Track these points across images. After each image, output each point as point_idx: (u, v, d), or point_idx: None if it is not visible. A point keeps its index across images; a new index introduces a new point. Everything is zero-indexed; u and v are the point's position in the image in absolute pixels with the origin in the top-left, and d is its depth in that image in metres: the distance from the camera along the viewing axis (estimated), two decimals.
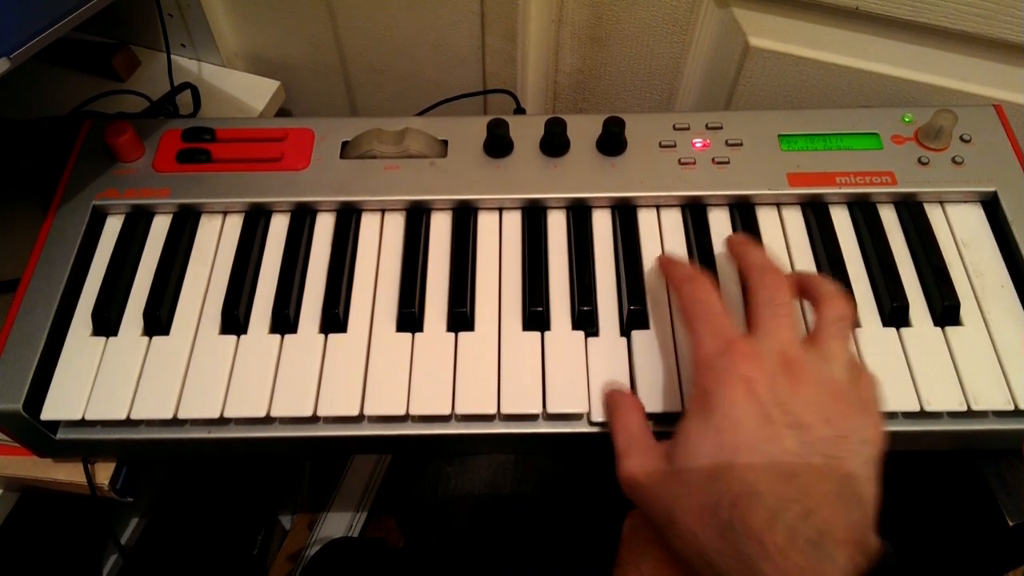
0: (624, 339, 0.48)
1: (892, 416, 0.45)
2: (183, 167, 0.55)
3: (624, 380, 0.46)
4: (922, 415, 0.45)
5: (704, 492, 0.34)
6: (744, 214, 0.53)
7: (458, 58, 0.74)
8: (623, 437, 0.41)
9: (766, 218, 0.53)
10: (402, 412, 0.46)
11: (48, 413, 0.46)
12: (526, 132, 0.56)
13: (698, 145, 0.55)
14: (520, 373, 0.47)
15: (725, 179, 0.54)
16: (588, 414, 0.46)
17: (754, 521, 0.32)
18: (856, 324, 0.48)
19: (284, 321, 0.49)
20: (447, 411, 0.46)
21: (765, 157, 0.55)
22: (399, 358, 0.48)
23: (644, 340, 0.48)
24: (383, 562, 0.69)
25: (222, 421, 0.46)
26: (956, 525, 0.53)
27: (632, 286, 0.50)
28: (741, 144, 0.55)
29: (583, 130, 0.56)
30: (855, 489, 0.34)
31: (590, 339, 0.48)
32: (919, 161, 0.54)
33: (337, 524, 1.05)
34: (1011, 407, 0.45)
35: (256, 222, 0.54)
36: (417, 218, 0.54)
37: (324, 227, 0.54)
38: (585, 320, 0.49)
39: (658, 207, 0.54)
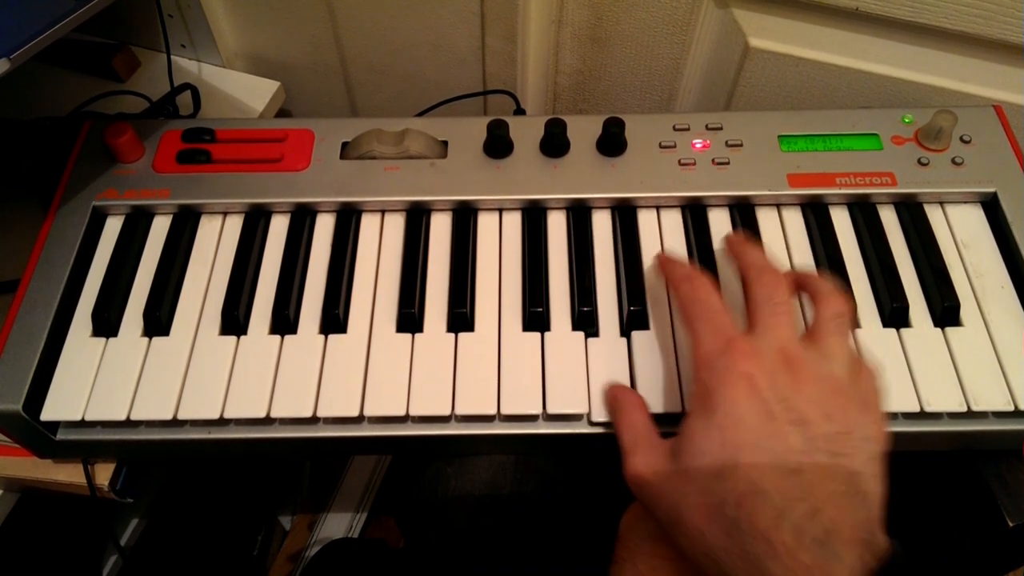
0: (624, 339, 0.48)
1: (892, 417, 0.45)
2: (183, 168, 0.55)
3: (624, 381, 0.46)
4: (922, 416, 0.45)
5: (710, 491, 0.34)
6: (744, 215, 0.53)
7: (458, 58, 0.74)
8: (629, 435, 0.41)
9: (766, 219, 0.53)
10: (402, 413, 0.46)
11: (48, 414, 0.46)
12: (526, 133, 0.56)
13: (698, 146, 0.55)
14: (520, 374, 0.47)
15: (725, 180, 0.54)
16: (588, 414, 0.46)
17: (761, 520, 0.32)
18: (855, 321, 0.48)
19: (284, 322, 0.49)
20: (447, 412, 0.46)
21: (765, 158, 0.55)
22: (399, 359, 0.48)
23: (644, 340, 0.48)
24: (383, 562, 0.69)
25: (222, 422, 0.46)
26: (956, 525, 0.53)
27: (632, 287, 0.50)
28: (741, 145, 0.55)
29: (583, 131, 0.56)
30: (860, 487, 0.34)
31: (590, 339, 0.48)
32: (919, 162, 0.54)
33: (337, 524, 1.05)
34: (1011, 407, 0.45)
35: (256, 223, 0.54)
36: (417, 219, 0.54)
37: (324, 228, 0.54)
38: (585, 321, 0.49)
39: (658, 208, 0.54)
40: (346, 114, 0.85)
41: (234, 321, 0.49)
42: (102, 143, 0.55)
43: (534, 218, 0.54)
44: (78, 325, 0.50)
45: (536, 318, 0.49)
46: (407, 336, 0.49)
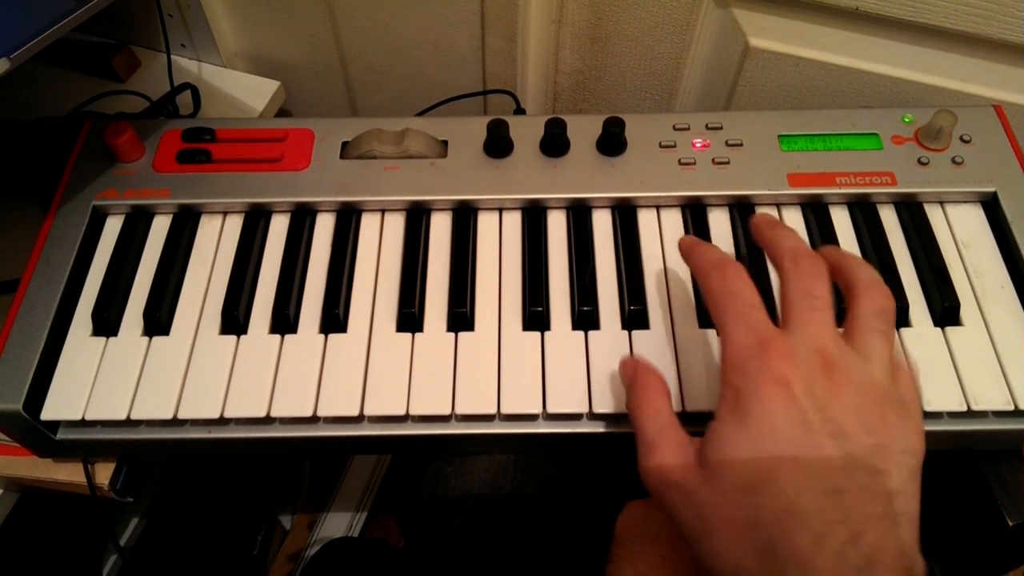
0: (624, 340, 0.48)
1: (923, 416, 0.45)
2: (183, 167, 0.55)
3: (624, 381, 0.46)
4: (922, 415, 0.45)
5: (743, 505, 0.32)
6: (744, 214, 0.53)
7: (458, 58, 0.74)
8: (653, 423, 0.37)
9: None
10: (402, 412, 0.46)
11: (48, 413, 0.46)
12: (526, 132, 0.56)
13: (698, 145, 0.55)
14: (520, 373, 0.47)
15: (725, 179, 0.54)
16: (589, 408, 0.46)
17: (799, 543, 0.30)
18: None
19: (284, 321, 0.49)
20: (447, 411, 0.46)
21: (765, 157, 0.55)
22: (399, 358, 0.48)
23: (644, 340, 0.48)
24: (383, 562, 0.69)
25: (222, 421, 0.46)
26: (956, 525, 0.53)
27: (632, 286, 0.50)
28: (741, 144, 0.55)
29: (583, 130, 0.56)
30: (901, 508, 0.31)
31: (591, 332, 0.48)
32: (919, 161, 0.54)
33: (337, 524, 1.05)
34: (1011, 407, 0.45)
35: (256, 222, 0.54)
36: (417, 218, 0.54)
37: (324, 227, 0.54)
38: (585, 320, 0.49)
39: (658, 207, 0.54)
40: (346, 114, 0.85)
41: (234, 321, 0.49)
42: (102, 143, 0.55)
43: (534, 218, 0.54)
44: (78, 325, 0.50)
45: (536, 317, 0.49)
46: (407, 336, 0.49)
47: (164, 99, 0.70)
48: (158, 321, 0.49)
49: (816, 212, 0.53)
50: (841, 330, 0.36)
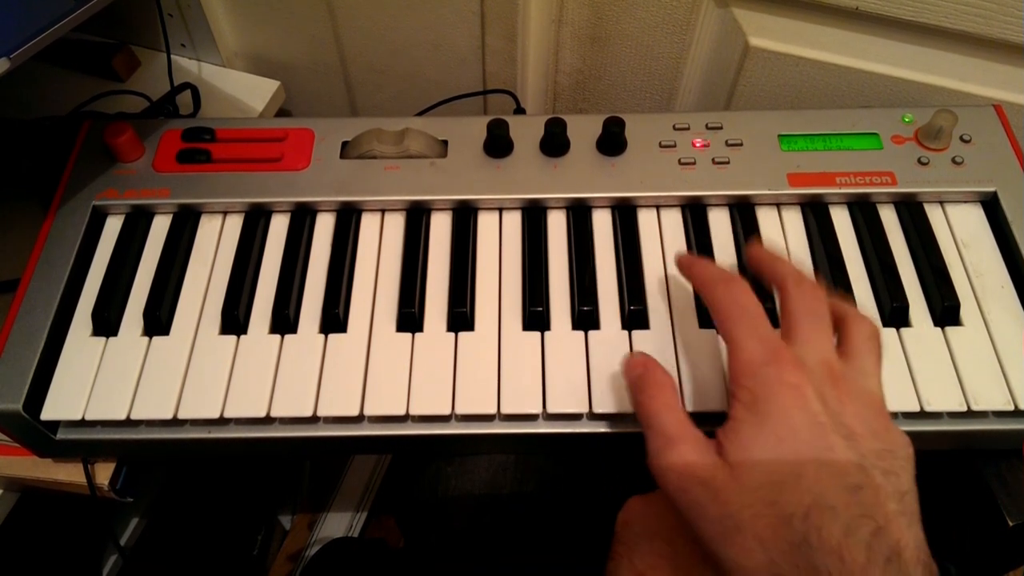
0: (624, 340, 0.48)
1: (892, 416, 0.45)
2: (183, 167, 0.55)
3: (624, 381, 0.46)
4: (922, 415, 0.45)
5: (771, 502, 0.32)
6: (744, 214, 0.53)
7: (458, 58, 0.74)
8: (671, 418, 0.37)
9: (766, 218, 0.53)
10: (402, 412, 0.46)
11: (48, 413, 0.46)
12: (526, 132, 0.56)
13: (698, 145, 0.55)
14: (520, 373, 0.47)
15: (725, 179, 0.54)
16: (589, 408, 0.46)
17: (831, 536, 0.31)
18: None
19: (284, 321, 0.49)
20: (447, 411, 0.46)
21: (765, 157, 0.55)
22: (399, 358, 0.48)
23: (644, 340, 0.48)
24: (383, 562, 0.69)
25: (222, 421, 0.46)
26: (956, 525, 0.53)
27: (632, 286, 0.50)
28: (741, 144, 0.55)
29: (583, 130, 0.56)
30: (912, 507, 0.33)
31: (591, 332, 0.48)
32: (919, 161, 0.54)
33: (337, 524, 1.05)
34: (1011, 407, 0.45)
35: (256, 222, 0.54)
36: (417, 218, 0.54)
37: (324, 227, 0.54)
38: (585, 320, 0.49)
39: (658, 207, 0.54)
40: (346, 114, 0.85)
41: (234, 320, 0.49)
42: (102, 143, 0.55)
43: (534, 217, 0.54)
44: (78, 325, 0.50)
45: (536, 317, 0.49)
46: (407, 335, 0.49)
47: (164, 99, 0.70)
48: (158, 321, 0.49)
49: (816, 212, 0.53)
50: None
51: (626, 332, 0.48)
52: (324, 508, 1.06)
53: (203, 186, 0.54)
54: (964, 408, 0.45)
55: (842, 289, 0.49)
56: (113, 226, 0.54)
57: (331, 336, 0.49)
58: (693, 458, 0.35)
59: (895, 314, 0.48)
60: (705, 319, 0.48)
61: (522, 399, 0.46)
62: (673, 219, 0.54)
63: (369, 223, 0.54)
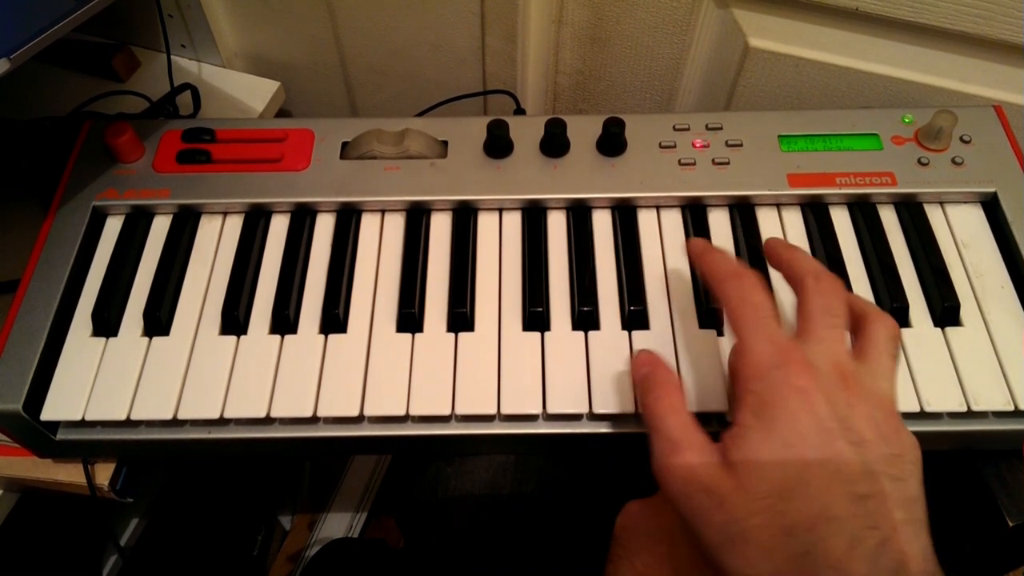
0: (624, 340, 0.48)
1: None
2: (183, 168, 0.55)
3: (624, 381, 0.46)
4: (922, 415, 0.45)
5: (776, 511, 0.32)
6: (744, 215, 0.53)
7: (458, 58, 0.74)
8: (677, 421, 0.36)
9: (766, 219, 0.53)
10: (402, 412, 0.46)
11: (48, 413, 0.46)
12: (526, 133, 0.56)
13: (698, 145, 0.55)
14: (520, 373, 0.47)
15: (725, 180, 0.54)
16: (589, 409, 0.46)
17: (834, 549, 0.30)
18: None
19: (284, 321, 0.49)
20: (447, 411, 0.46)
21: (765, 158, 0.55)
22: (399, 358, 0.48)
23: (644, 340, 0.48)
24: (383, 562, 0.69)
25: (222, 421, 0.46)
26: (956, 525, 0.53)
27: (632, 286, 0.50)
28: (741, 145, 0.55)
29: (583, 131, 0.56)
30: (919, 515, 0.33)
31: (591, 333, 0.48)
32: (919, 162, 0.54)
33: (337, 524, 1.05)
34: (1011, 407, 0.45)
35: (256, 222, 0.54)
36: (417, 218, 0.54)
37: (324, 227, 0.54)
38: (585, 320, 0.49)
39: (658, 208, 0.54)
40: (346, 114, 0.85)
41: (234, 321, 0.49)
42: (102, 143, 0.55)
43: (534, 218, 0.54)
44: (78, 325, 0.50)
45: (536, 318, 0.49)
46: (407, 336, 0.49)
47: (164, 99, 0.70)
48: (158, 321, 0.49)
49: (816, 212, 0.53)
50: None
51: (626, 332, 0.48)
52: (324, 508, 1.06)
53: (203, 186, 0.54)
54: (964, 408, 0.45)
55: None
56: (113, 226, 0.54)
57: (331, 336, 0.49)
58: (698, 464, 0.35)
59: (895, 314, 0.47)
60: (705, 319, 0.48)
61: (522, 399, 0.46)
62: (673, 220, 0.54)
63: (369, 223, 0.54)
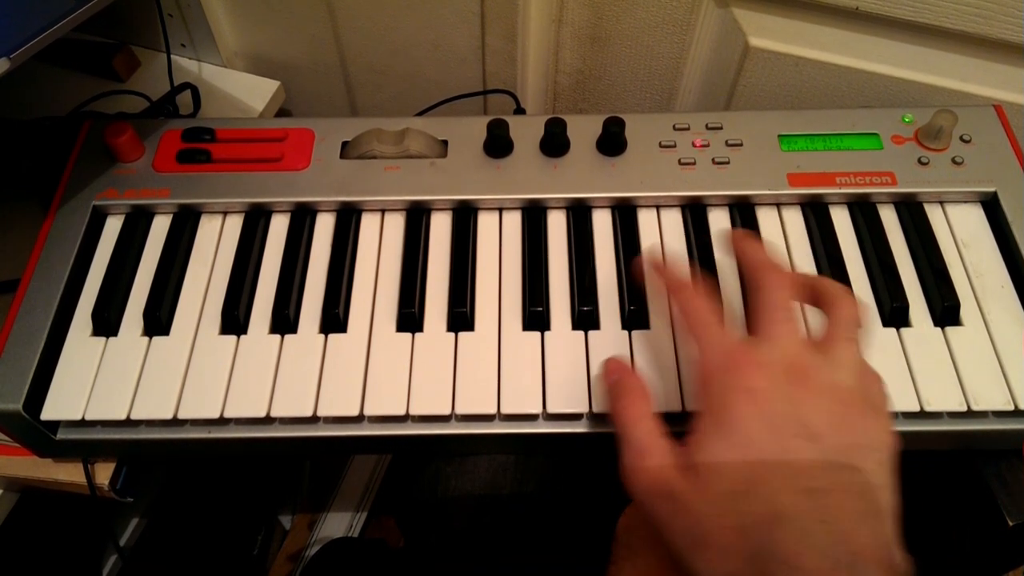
0: (624, 340, 0.48)
1: (892, 416, 0.45)
2: (183, 167, 0.55)
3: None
4: (922, 415, 0.45)
5: (731, 512, 0.32)
6: (744, 214, 0.53)
7: (458, 58, 0.74)
8: (640, 430, 0.37)
9: (766, 218, 0.53)
10: (402, 412, 0.46)
11: (48, 413, 0.46)
12: (526, 132, 0.56)
13: (698, 145, 0.55)
14: (520, 373, 0.47)
15: (725, 179, 0.54)
16: (589, 408, 0.46)
17: (786, 545, 0.31)
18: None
19: (284, 321, 0.49)
20: (447, 411, 0.46)
21: (765, 157, 0.55)
22: (399, 358, 0.48)
23: (644, 340, 0.48)
24: (383, 562, 0.69)
25: (222, 421, 0.46)
26: (956, 525, 0.53)
27: (632, 286, 0.50)
28: (741, 144, 0.55)
29: (583, 130, 0.56)
30: (878, 504, 0.33)
31: (591, 332, 0.48)
32: (919, 161, 0.54)
33: (337, 524, 1.05)
34: (1011, 407, 0.45)
35: (256, 222, 0.54)
36: (417, 218, 0.54)
37: (324, 227, 0.54)
38: (585, 320, 0.49)
39: (658, 207, 0.54)
40: (346, 114, 0.85)
41: (234, 320, 0.49)
42: (102, 143, 0.55)
43: (534, 217, 0.54)
44: (78, 325, 0.50)
45: (536, 317, 0.49)
46: (407, 335, 0.49)
47: (164, 99, 0.70)
48: (158, 321, 0.49)
49: (816, 212, 0.53)
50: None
51: (626, 332, 0.48)
52: (324, 508, 1.06)
53: (203, 186, 0.54)
54: (964, 408, 0.45)
55: None
56: (113, 226, 0.54)
57: (331, 336, 0.49)
58: (660, 468, 0.35)
59: (895, 314, 0.48)
60: None
61: (522, 399, 0.46)
62: (673, 219, 0.54)
63: (369, 223, 0.54)
